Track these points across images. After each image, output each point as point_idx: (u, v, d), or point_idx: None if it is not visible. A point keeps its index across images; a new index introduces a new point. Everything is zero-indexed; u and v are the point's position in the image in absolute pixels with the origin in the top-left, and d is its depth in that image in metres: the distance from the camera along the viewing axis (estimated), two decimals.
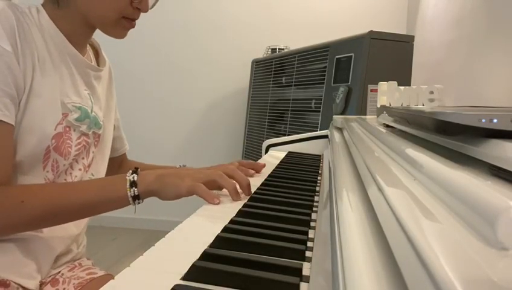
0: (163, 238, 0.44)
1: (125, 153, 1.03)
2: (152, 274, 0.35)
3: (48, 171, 0.70)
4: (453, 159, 0.27)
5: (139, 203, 0.65)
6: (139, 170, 0.67)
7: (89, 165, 0.81)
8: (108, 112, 0.89)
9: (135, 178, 0.64)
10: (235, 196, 0.61)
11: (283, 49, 2.25)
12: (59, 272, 0.78)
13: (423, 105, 0.50)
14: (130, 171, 0.66)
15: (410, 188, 0.26)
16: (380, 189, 0.28)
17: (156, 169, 0.80)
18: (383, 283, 0.20)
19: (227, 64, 2.57)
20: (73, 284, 0.76)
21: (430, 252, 0.16)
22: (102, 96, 0.85)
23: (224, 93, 2.60)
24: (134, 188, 0.63)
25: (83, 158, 0.78)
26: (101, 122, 0.81)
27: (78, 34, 0.74)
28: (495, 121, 0.24)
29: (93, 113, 0.78)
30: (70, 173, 0.75)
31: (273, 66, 2.09)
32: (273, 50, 2.29)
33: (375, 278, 0.20)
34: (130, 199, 0.63)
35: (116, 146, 0.98)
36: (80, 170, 0.77)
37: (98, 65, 0.84)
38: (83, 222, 0.82)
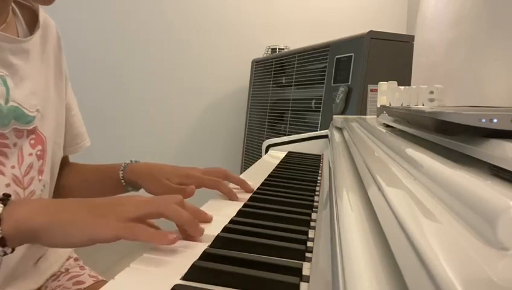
0: None
1: (67, 157, 0.78)
2: (152, 274, 0.35)
3: None
4: (453, 159, 0.27)
5: (5, 253, 0.41)
6: (11, 197, 0.43)
7: (26, 174, 0.60)
8: (57, 96, 0.68)
9: None
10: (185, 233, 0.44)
11: (283, 49, 2.25)
12: (45, 286, 0.69)
13: (423, 105, 0.50)
14: None
15: (410, 188, 0.26)
16: (380, 189, 0.28)
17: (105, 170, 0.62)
18: (383, 283, 0.20)
19: (227, 64, 2.57)
20: None
21: (430, 252, 0.16)
22: (38, 76, 0.64)
23: (224, 93, 2.60)
24: None
25: (13, 167, 0.58)
26: (32, 114, 0.61)
27: None
28: (495, 121, 0.24)
29: (10, 103, 0.57)
30: None
31: (273, 66, 2.09)
32: (273, 50, 2.29)
33: (375, 278, 0.20)
34: None
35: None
36: (9, 185, 0.57)
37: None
38: (44, 272, 0.68)
